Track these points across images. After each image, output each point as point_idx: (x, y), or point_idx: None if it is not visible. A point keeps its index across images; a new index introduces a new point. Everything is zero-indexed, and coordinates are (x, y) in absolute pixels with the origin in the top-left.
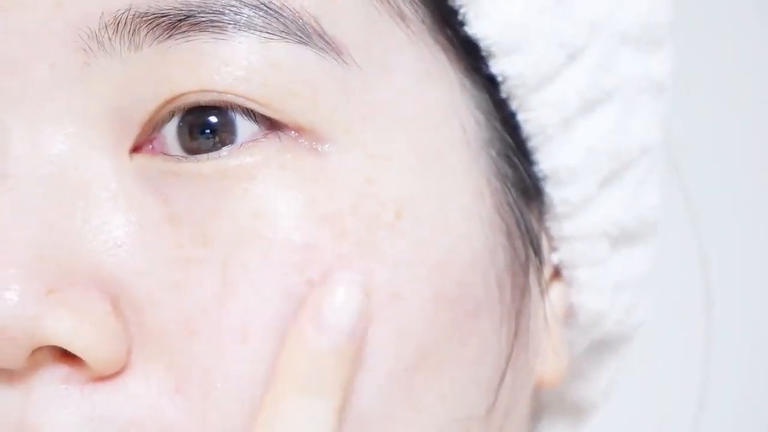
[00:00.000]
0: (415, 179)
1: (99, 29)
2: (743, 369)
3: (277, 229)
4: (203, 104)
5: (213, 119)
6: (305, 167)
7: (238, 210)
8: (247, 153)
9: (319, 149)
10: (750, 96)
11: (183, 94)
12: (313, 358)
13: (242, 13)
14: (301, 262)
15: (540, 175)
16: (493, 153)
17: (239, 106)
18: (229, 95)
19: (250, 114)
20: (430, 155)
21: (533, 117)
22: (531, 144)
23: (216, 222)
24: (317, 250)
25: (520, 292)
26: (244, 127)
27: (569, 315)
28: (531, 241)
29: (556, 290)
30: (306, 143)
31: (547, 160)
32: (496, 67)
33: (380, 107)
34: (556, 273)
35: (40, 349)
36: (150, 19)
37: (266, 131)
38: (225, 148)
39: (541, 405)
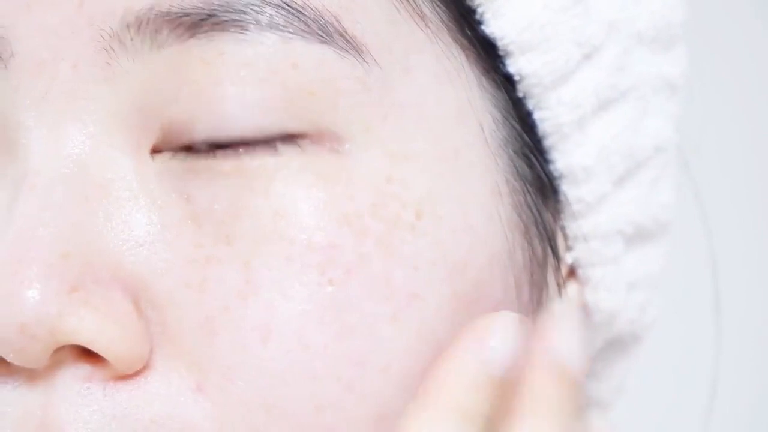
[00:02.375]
0: (435, 178)
1: (121, 29)
2: (753, 368)
3: (298, 229)
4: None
5: None
6: (326, 166)
7: (260, 209)
8: (268, 152)
9: (340, 149)
10: (761, 96)
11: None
12: (471, 388)
13: (264, 13)
14: (322, 262)
15: (555, 173)
16: (511, 152)
17: None
18: None
19: None
20: (449, 154)
21: (549, 115)
22: (547, 142)
23: (238, 221)
24: (338, 249)
25: (538, 292)
26: None
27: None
28: (548, 241)
29: (570, 289)
30: (327, 142)
31: (562, 159)
32: (513, 66)
33: (400, 106)
34: (571, 272)
35: (61, 347)
36: (172, 19)
37: None
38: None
39: None
